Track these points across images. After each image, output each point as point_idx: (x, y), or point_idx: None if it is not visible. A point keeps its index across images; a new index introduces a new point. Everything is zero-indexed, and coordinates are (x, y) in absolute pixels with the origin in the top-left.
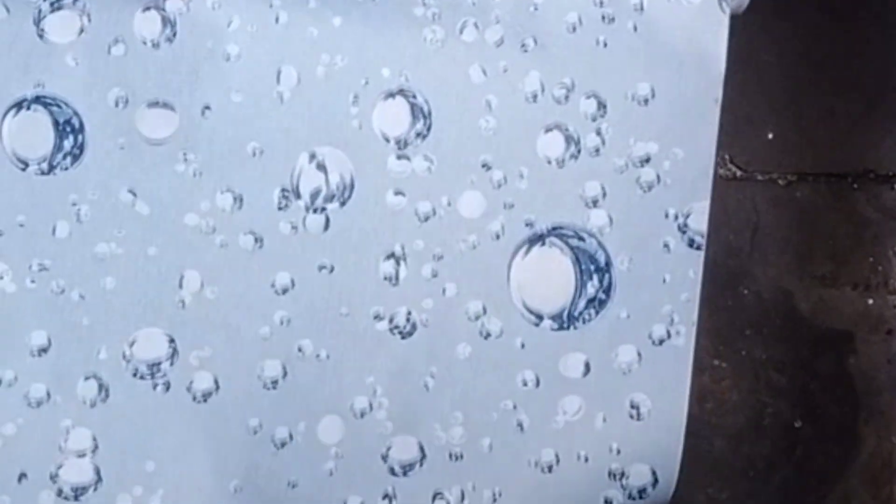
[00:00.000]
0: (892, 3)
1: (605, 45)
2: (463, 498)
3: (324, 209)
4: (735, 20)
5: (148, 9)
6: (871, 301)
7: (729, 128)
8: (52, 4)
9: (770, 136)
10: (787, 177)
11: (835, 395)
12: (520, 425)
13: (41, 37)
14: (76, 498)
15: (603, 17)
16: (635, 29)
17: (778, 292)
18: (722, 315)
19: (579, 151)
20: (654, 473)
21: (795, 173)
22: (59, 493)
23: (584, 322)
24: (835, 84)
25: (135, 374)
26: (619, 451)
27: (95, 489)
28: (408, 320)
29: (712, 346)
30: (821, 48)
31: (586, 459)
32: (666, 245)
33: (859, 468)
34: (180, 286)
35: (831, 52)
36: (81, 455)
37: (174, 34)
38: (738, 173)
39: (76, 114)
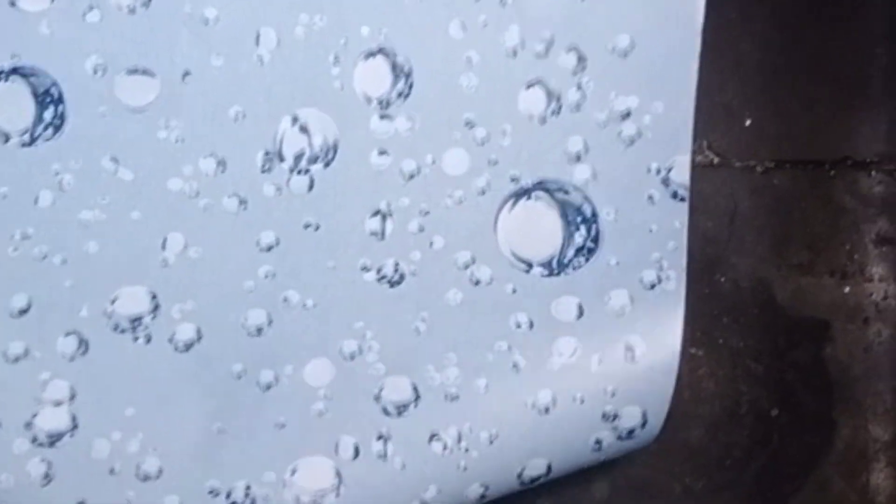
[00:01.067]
0: None
1: None
2: (459, 439)
3: (307, 170)
4: (712, 7)
5: None
6: (847, 289)
7: (706, 115)
8: None
9: (747, 123)
10: (765, 164)
11: (811, 383)
12: (515, 366)
13: (12, 5)
14: (51, 444)
15: None
16: None
17: (755, 280)
18: (699, 303)
19: (560, 107)
20: (644, 415)
21: (773, 160)
22: (34, 440)
23: (574, 269)
24: (812, 72)
25: (115, 329)
26: (613, 394)
27: (72, 435)
28: (396, 271)
29: (689, 334)
30: (798, 36)
31: (582, 401)
32: (650, 197)
33: (835, 457)
34: (163, 248)
35: (808, 39)
36: (58, 404)
37: None
38: (716, 160)
39: (55, 83)
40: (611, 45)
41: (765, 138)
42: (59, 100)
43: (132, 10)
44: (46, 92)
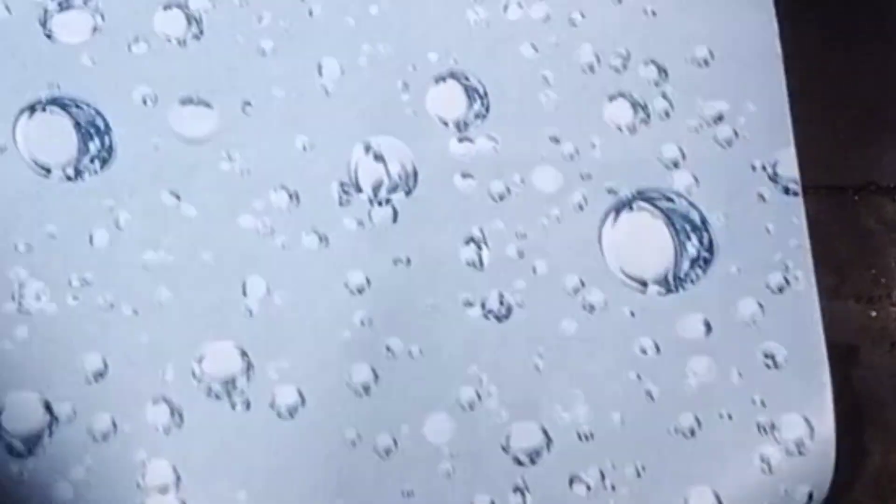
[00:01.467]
0: (892, 18)
1: (654, 14)
2: (603, 478)
3: (388, 200)
4: None
5: (169, 7)
6: (874, 314)
7: None
8: (59, 4)
9: None
10: None
11: (840, 409)
12: (649, 394)
13: (49, 37)
14: None
15: None
16: None
17: None
18: None
19: (649, 116)
20: (807, 421)
21: None
22: None
23: (692, 282)
24: (836, 98)
25: (209, 394)
26: (763, 403)
27: None
28: (501, 303)
29: None
30: (822, 63)
31: (730, 417)
32: (761, 196)
33: (865, 481)
34: (244, 293)
35: (832, 67)
36: (164, 491)
37: (201, 31)
38: None
39: (99, 114)
40: (689, 56)
41: None
42: (105, 131)
43: (182, 43)
44: (90, 123)
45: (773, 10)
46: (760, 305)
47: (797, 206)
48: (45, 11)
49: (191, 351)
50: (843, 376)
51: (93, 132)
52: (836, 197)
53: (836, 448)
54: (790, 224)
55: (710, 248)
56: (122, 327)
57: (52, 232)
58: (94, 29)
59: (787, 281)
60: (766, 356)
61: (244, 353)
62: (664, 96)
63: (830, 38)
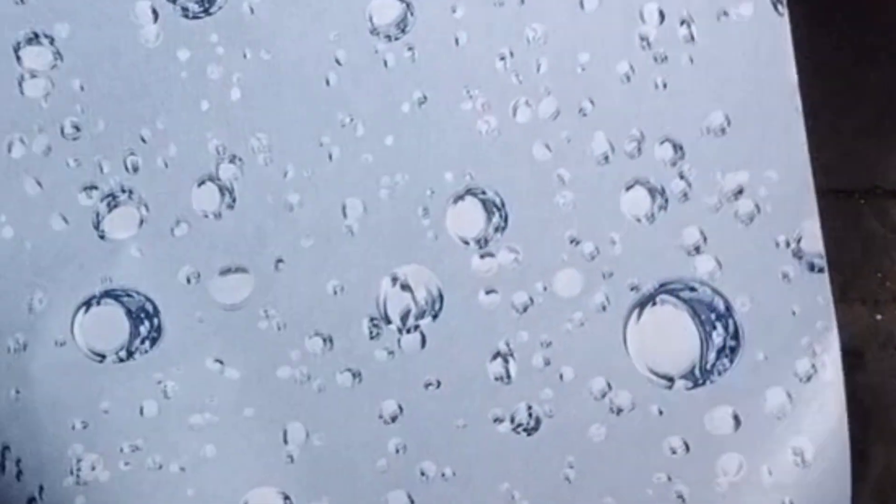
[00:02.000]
0: None
1: (665, 86)
2: None
3: (417, 327)
4: None
5: (203, 182)
6: (880, 317)
7: None
8: (108, 204)
9: None
10: None
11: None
12: (680, 496)
13: (102, 238)
14: None
15: (655, 58)
16: (692, 61)
17: None
18: None
19: (667, 201)
20: None
21: None
22: None
23: (719, 374)
24: (841, 100)
25: None
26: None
27: None
28: (530, 415)
29: None
30: (826, 65)
31: None
32: (785, 275)
33: (869, 486)
34: (285, 441)
35: (837, 68)
36: None
37: (234, 200)
38: None
39: (149, 300)
40: (704, 126)
41: None
42: (155, 314)
43: (218, 215)
44: (141, 308)
45: (792, 60)
46: (789, 395)
47: (823, 283)
48: (97, 214)
49: (235, 499)
50: (849, 380)
51: (143, 317)
52: (843, 200)
53: None
54: (816, 304)
55: (737, 336)
56: (170, 484)
57: (105, 408)
58: (141, 221)
59: (814, 368)
60: (795, 452)
61: (286, 497)
62: (681, 176)
63: (838, 42)
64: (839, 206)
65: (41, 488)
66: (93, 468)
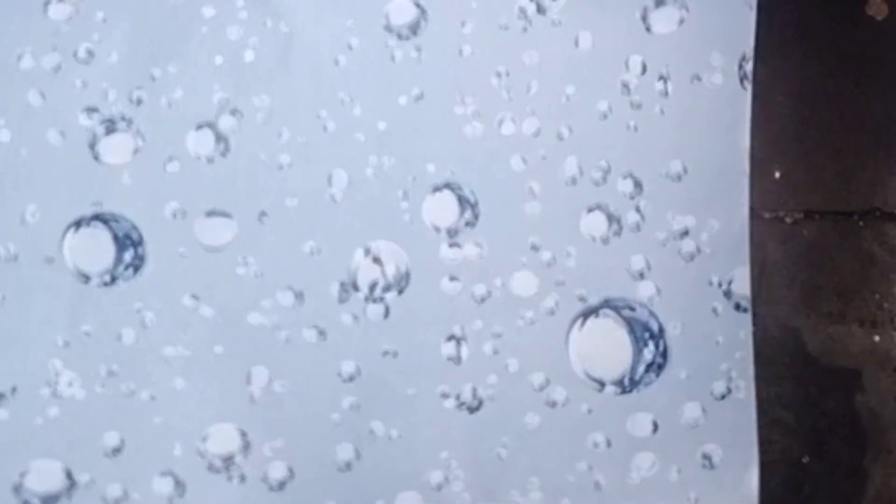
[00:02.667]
0: None
1: (636, 129)
2: None
3: (382, 298)
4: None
5: (201, 127)
6: (877, 338)
7: None
8: (106, 128)
9: (777, 174)
10: (794, 215)
11: (842, 432)
12: (597, 485)
13: (96, 159)
14: None
15: (631, 104)
16: (662, 112)
17: (785, 330)
18: None
19: (621, 228)
20: None
21: (802, 211)
22: None
23: (645, 385)
24: (841, 123)
25: (210, 469)
26: (697, 500)
27: None
28: (474, 396)
29: None
30: (827, 90)
31: None
32: (714, 310)
33: None
34: (248, 382)
35: (837, 93)
36: None
37: (227, 149)
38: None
39: (135, 227)
40: (664, 171)
41: (794, 189)
42: (139, 242)
43: (210, 160)
44: (126, 236)
45: (747, 126)
46: (704, 410)
47: (745, 321)
48: (94, 135)
49: (197, 431)
50: (846, 400)
51: (128, 243)
52: (841, 222)
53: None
54: (738, 338)
55: (665, 355)
56: (139, 411)
57: (87, 331)
58: (136, 150)
59: (729, 389)
60: (705, 457)
61: (244, 434)
62: (637, 210)
63: (836, 65)
64: (838, 227)
65: (14, 389)
66: (70, 384)
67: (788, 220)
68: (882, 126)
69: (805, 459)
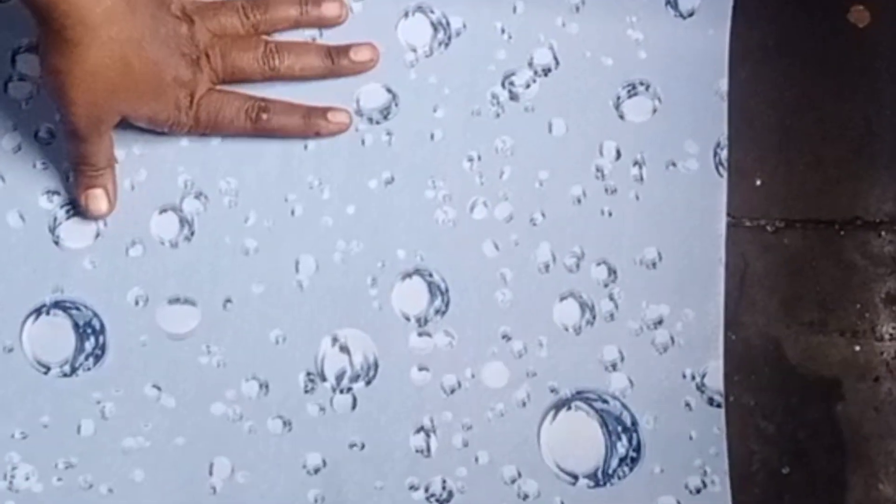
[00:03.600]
0: (878, 51)
1: (610, 214)
2: None
3: (350, 389)
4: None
5: (165, 210)
6: (858, 348)
7: None
8: (67, 211)
9: (758, 182)
10: (775, 223)
11: (823, 442)
12: None
13: (57, 243)
14: None
15: (605, 189)
16: (637, 198)
17: (766, 339)
18: None
19: (594, 317)
20: None
21: (783, 220)
22: None
23: (619, 478)
24: (822, 131)
25: None
26: None
27: None
28: (443, 488)
29: None
30: (809, 97)
31: None
32: (687, 404)
33: None
34: (210, 473)
35: (819, 100)
36: None
37: (192, 233)
38: (727, 220)
39: (96, 315)
40: (639, 258)
41: (775, 198)
42: (101, 331)
43: (174, 245)
44: (88, 324)
45: (723, 212)
46: None
47: (719, 417)
48: (55, 219)
49: None
50: (827, 410)
51: (89, 332)
52: (822, 231)
53: None
54: (711, 433)
55: (638, 449)
56: None
57: (45, 422)
58: (97, 234)
59: (704, 484)
60: None
61: None
62: (611, 297)
63: (817, 71)
64: (819, 236)
65: None
66: (27, 478)
67: (769, 228)
68: (864, 135)
69: (785, 470)
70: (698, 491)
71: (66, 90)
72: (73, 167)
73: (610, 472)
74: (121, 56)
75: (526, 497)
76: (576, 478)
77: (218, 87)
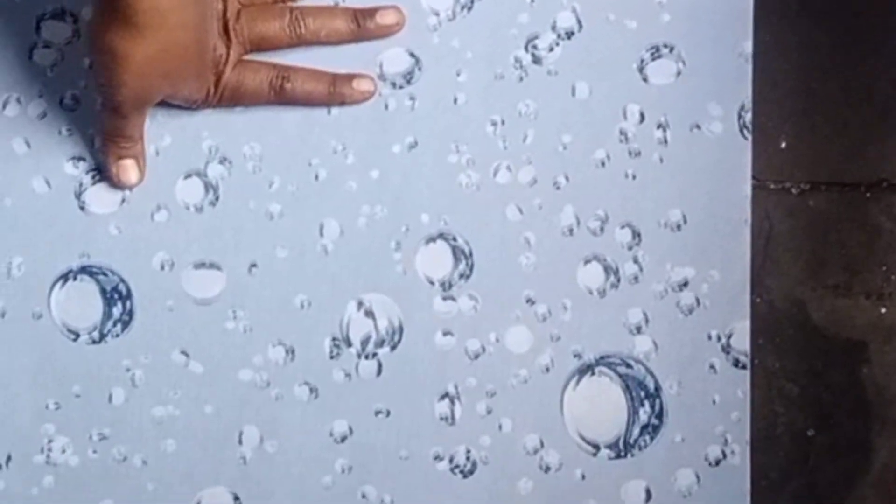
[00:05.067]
0: None
1: (634, 177)
2: None
3: (375, 354)
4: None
5: (189, 176)
6: (884, 310)
7: None
8: (92, 177)
9: (783, 145)
10: (800, 186)
11: (847, 404)
12: None
13: (82, 209)
14: None
15: (629, 152)
16: (661, 161)
17: (791, 302)
18: None
19: (619, 280)
20: None
21: (808, 182)
22: None
23: (640, 449)
24: (848, 94)
25: None
26: None
27: None
28: (468, 458)
29: None
30: (834, 60)
31: None
32: (712, 366)
33: (872, 478)
34: (240, 442)
35: (844, 63)
36: None
37: (217, 198)
38: (752, 182)
39: (122, 280)
40: (663, 220)
41: (800, 160)
42: (128, 296)
43: (199, 209)
44: (115, 289)
45: (748, 175)
46: (697, 477)
47: (744, 379)
48: (81, 185)
49: (189, 496)
50: (851, 373)
51: (116, 298)
52: (848, 194)
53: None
54: (735, 397)
55: (661, 416)
56: (132, 478)
57: (77, 391)
58: (123, 200)
59: (724, 454)
60: None
61: (236, 498)
62: (635, 260)
63: (844, 36)
64: (844, 199)
65: (9, 458)
66: (63, 451)
67: (794, 191)
68: (889, 98)
69: (810, 432)
70: (717, 463)
71: (122, 72)
72: (106, 137)
73: (631, 441)
74: (182, 41)
75: (548, 469)
76: (597, 448)
77: (242, 58)
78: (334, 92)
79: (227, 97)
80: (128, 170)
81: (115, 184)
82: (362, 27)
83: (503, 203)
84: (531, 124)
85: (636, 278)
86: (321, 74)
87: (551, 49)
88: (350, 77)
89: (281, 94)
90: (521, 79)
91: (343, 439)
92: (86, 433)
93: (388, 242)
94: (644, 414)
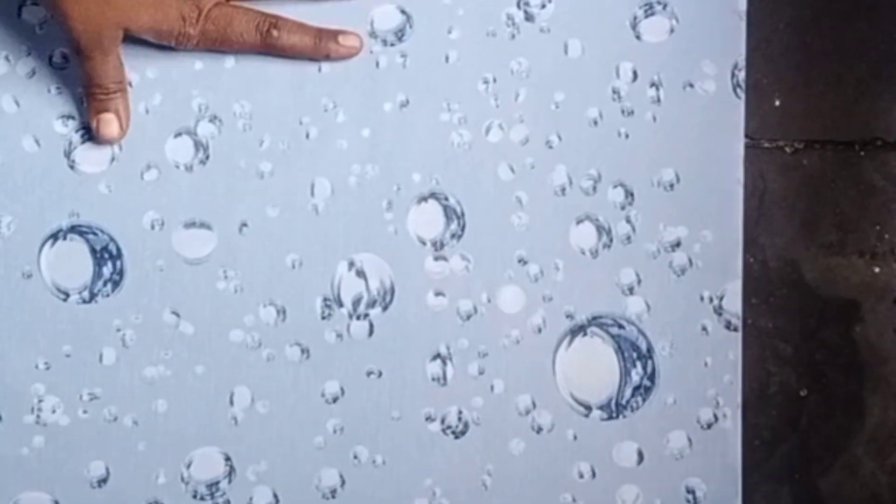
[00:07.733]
0: None
1: (627, 136)
2: None
3: (366, 315)
4: None
5: (179, 134)
6: (877, 269)
7: None
8: (82, 136)
9: (777, 103)
10: (794, 144)
11: (840, 364)
12: None
13: (72, 167)
14: None
15: (622, 111)
16: (654, 119)
17: (784, 261)
18: None
19: (611, 240)
20: None
21: (802, 141)
22: None
23: (632, 410)
24: (842, 53)
25: (195, 496)
26: None
27: None
28: (459, 419)
29: None
30: (828, 17)
31: None
32: (704, 328)
33: (865, 437)
34: (231, 403)
35: (838, 21)
36: None
37: (207, 157)
38: (745, 141)
39: (112, 240)
40: (656, 179)
41: (794, 119)
42: (118, 256)
43: (189, 168)
44: (104, 248)
45: (741, 134)
46: (689, 440)
47: (735, 342)
48: (70, 143)
49: (181, 457)
50: (845, 332)
51: (106, 257)
52: (842, 152)
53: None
54: (726, 360)
55: (652, 377)
56: (123, 438)
57: (67, 351)
58: (112, 159)
59: (715, 417)
60: (688, 491)
61: (227, 458)
62: (628, 220)
63: None
64: (838, 157)
65: None
66: (53, 411)
67: (788, 149)
68: (883, 56)
69: (803, 392)
70: (709, 426)
71: (59, 2)
72: (85, 91)
73: (623, 402)
74: None
75: (540, 430)
76: (589, 409)
77: (228, 2)
78: (320, 45)
79: (211, 37)
80: (108, 123)
81: (97, 138)
82: None
83: (495, 162)
84: (523, 82)
85: (629, 238)
86: (307, 27)
87: (543, 6)
88: (336, 32)
89: (267, 39)
90: (514, 36)
91: (335, 400)
92: (76, 393)
93: (379, 202)
94: (636, 375)
